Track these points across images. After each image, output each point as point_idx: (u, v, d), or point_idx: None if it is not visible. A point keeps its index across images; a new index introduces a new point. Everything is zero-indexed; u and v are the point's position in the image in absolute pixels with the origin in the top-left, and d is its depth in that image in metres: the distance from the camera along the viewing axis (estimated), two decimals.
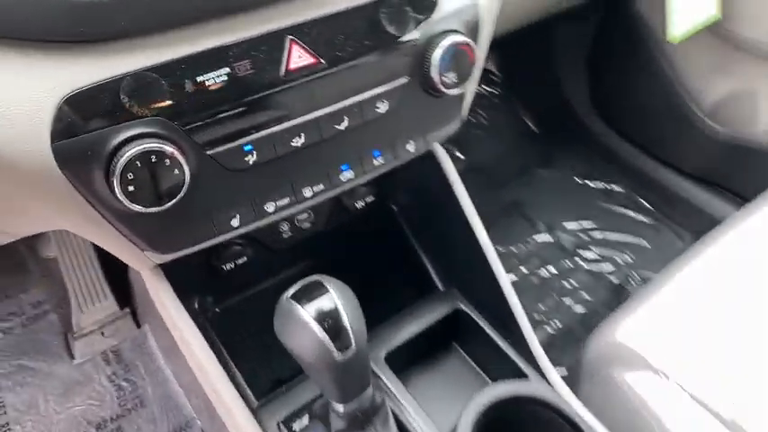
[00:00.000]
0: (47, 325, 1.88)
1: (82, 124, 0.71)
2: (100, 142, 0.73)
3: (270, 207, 0.91)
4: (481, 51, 1.02)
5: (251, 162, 0.84)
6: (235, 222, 0.88)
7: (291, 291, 0.75)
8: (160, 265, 0.98)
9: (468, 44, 0.93)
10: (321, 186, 0.94)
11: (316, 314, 0.70)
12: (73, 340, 1.80)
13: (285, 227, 1.17)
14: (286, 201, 0.91)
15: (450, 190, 1.16)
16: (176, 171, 0.76)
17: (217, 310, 1.18)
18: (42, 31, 0.68)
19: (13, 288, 1.90)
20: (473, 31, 0.96)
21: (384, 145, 0.97)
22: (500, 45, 1.48)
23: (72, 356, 1.77)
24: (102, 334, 1.82)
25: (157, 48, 0.74)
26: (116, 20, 0.70)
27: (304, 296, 0.73)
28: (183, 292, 0.99)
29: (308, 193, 0.93)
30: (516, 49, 2.29)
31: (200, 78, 0.77)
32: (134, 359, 1.78)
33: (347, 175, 0.96)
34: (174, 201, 0.77)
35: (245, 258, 1.13)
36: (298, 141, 0.87)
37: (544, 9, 1.78)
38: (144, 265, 0.92)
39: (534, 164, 2.37)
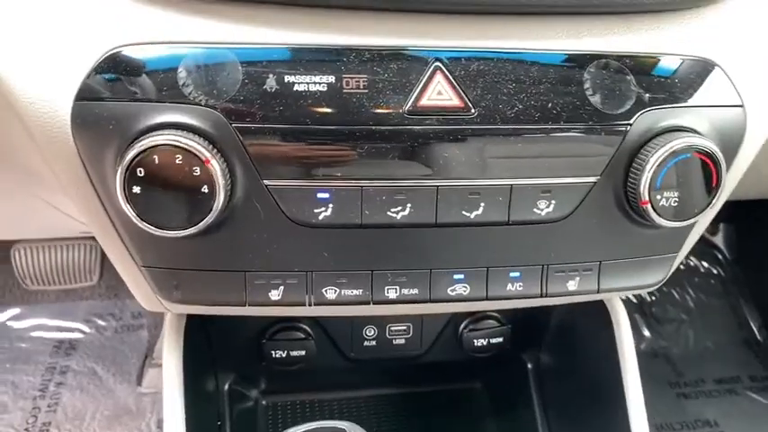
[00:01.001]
0: (136, 340, 1.83)
1: (119, 87, 0.51)
2: (126, 117, 0.52)
3: (331, 293, 0.62)
4: (731, 179, 0.65)
5: (322, 218, 0.57)
6: (275, 295, 0.61)
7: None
8: (188, 316, 0.73)
9: (712, 155, 0.57)
10: (414, 291, 0.63)
11: None
12: (148, 366, 1.71)
13: (371, 332, 0.86)
14: (356, 293, 0.62)
15: (617, 370, 0.76)
16: (205, 189, 0.51)
17: (238, 405, 0.89)
18: None
19: (123, 291, 1.88)
20: (727, 143, 0.61)
21: (530, 265, 0.63)
22: (739, 215, 1.05)
23: (140, 382, 1.68)
24: None
25: (254, 23, 0.53)
26: None
27: None
28: (201, 361, 0.73)
29: (391, 293, 0.62)
30: (762, 229, 1.78)
31: (289, 78, 0.53)
32: None
33: (458, 289, 0.63)
34: (189, 230, 0.53)
35: (304, 352, 0.84)
36: (399, 213, 0.58)
37: None
38: (154, 305, 0.68)
39: (746, 381, 1.82)
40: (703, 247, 2.05)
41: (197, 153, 0.51)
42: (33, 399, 1.60)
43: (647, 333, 1.89)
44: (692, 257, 2.04)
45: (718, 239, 2.08)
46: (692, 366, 1.85)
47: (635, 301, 1.93)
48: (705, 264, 2.07)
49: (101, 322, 1.80)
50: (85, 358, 1.72)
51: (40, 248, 1.69)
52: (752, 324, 1.98)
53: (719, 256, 2.09)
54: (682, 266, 2.05)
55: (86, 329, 1.80)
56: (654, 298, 1.95)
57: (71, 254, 1.72)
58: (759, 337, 1.96)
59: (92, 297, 1.85)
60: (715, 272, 2.06)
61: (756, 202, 1.42)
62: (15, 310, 1.83)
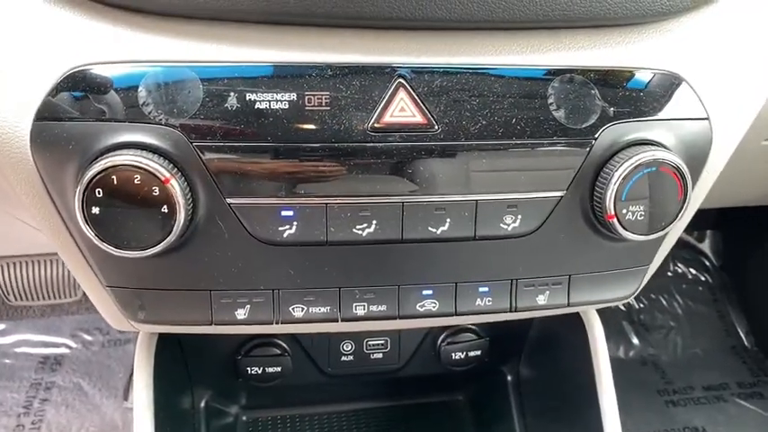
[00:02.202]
0: (123, 354, 1.82)
1: (78, 107, 0.51)
2: (86, 137, 0.52)
3: (298, 312, 0.61)
4: (700, 190, 0.65)
5: (286, 236, 0.57)
6: (241, 314, 0.60)
7: None
8: (160, 333, 0.73)
9: (677, 168, 0.57)
10: (382, 308, 0.62)
11: None
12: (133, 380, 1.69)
13: (348, 347, 0.85)
14: (324, 311, 0.61)
15: (593, 381, 0.76)
16: (165, 208, 0.51)
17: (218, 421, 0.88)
18: None
19: None
20: (693, 156, 0.61)
21: (499, 280, 0.63)
22: (727, 222, 1.04)
23: (126, 397, 1.67)
24: None
25: (215, 41, 0.53)
26: None
27: None
28: (176, 378, 0.73)
29: (359, 310, 0.62)
30: (748, 236, 1.78)
31: (250, 96, 0.52)
32: None
33: (427, 305, 0.63)
34: (151, 250, 0.52)
35: (280, 369, 0.83)
36: (364, 230, 0.57)
37: None
38: (122, 324, 0.67)
39: (734, 388, 1.82)
40: (691, 254, 2.05)
41: (156, 173, 0.50)
42: (17, 416, 1.58)
43: (635, 341, 1.89)
44: (679, 264, 2.04)
45: (705, 246, 2.08)
46: (681, 374, 1.85)
47: (623, 308, 1.92)
48: (693, 271, 2.07)
49: (87, 337, 1.78)
50: (71, 373, 1.69)
51: (22, 264, 1.68)
52: (739, 331, 1.98)
53: (707, 263, 2.09)
54: (669, 273, 2.05)
55: (72, 344, 1.78)
56: (642, 305, 1.94)
57: (54, 269, 1.70)
58: (746, 344, 1.96)
59: (78, 312, 1.83)
60: (703, 279, 2.07)
61: (742, 209, 1.42)
62: (0, 326, 1.81)
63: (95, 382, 1.67)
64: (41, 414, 1.61)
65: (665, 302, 1.99)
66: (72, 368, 1.72)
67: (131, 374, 1.68)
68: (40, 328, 1.84)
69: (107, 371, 1.71)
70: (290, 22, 0.54)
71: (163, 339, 0.75)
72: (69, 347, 1.77)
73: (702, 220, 1.94)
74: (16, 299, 1.71)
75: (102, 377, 1.69)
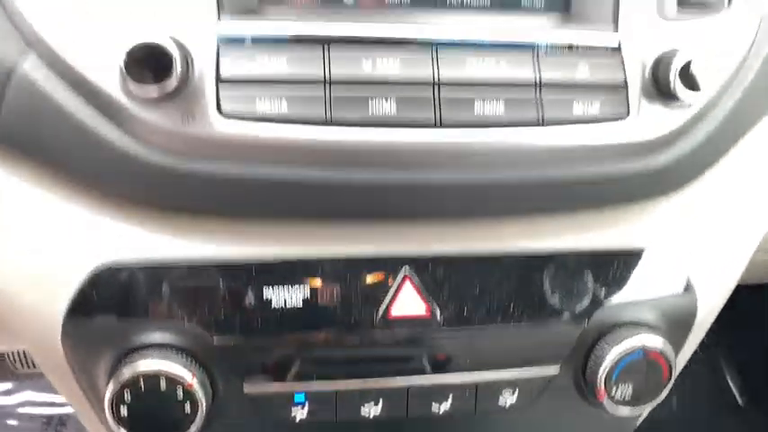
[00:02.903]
0: None
1: (105, 305, 0.56)
2: (112, 335, 0.56)
3: None
4: (681, 362, 0.69)
5: (298, 418, 0.61)
6: None
7: None
8: None
9: (663, 354, 0.61)
10: None
11: None
12: None
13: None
14: None
15: None
16: (187, 407, 0.55)
17: None
18: (122, 189, 0.55)
19: None
20: (679, 325, 0.65)
21: None
22: None
23: None
24: None
25: (236, 240, 0.57)
26: (207, 193, 0.54)
27: None
28: None
29: None
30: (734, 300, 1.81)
31: (268, 293, 0.57)
32: None
33: None
34: None
35: None
36: (370, 411, 0.61)
37: None
38: None
39: None
40: None
41: (180, 379, 0.55)
42: None
43: None
44: None
45: None
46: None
47: None
48: None
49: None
50: None
51: None
52: (733, 388, 2.01)
53: None
54: None
55: None
56: None
57: None
58: (740, 403, 1.99)
59: None
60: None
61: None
62: (5, 386, 1.83)
63: None
64: None
65: None
66: (77, 428, 1.75)
67: None
68: (45, 388, 1.85)
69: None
70: (302, 215, 0.58)
71: None
72: None
73: None
74: (23, 367, 1.74)
75: None
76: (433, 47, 0.54)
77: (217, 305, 0.57)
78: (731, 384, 2.00)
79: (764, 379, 1.95)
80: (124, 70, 0.48)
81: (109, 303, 0.56)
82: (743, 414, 1.96)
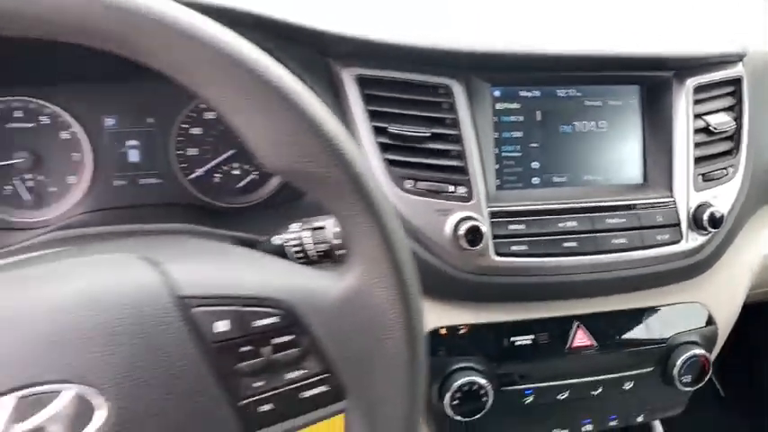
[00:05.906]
0: None
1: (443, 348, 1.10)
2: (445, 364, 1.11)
3: None
4: (716, 348, 1.30)
5: (526, 403, 1.17)
6: None
7: None
8: None
9: (705, 357, 1.21)
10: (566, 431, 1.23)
11: None
12: None
13: None
14: None
15: None
16: (484, 398, 1.10)
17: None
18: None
19: None
20: (708, 345, 1.25)
21: (621, 416, 1.25)
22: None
23: None
24: None
25: (505, 312, 1.13)
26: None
27: None
28: None
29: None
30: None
31: (514, 339, 1.13)
32: None
33: (587, 428, 1.24)
34: (477, 415, 1.11)
35: None
36: (562, 395, 1.18)
37: None
38: None
39: None
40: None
41: (485, 385, 1.10)
42: None
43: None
44: None
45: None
46: None
47: None
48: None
49: None
50: None
51: None
52: (715, 381, 2.09)
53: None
54: None
55: None
56: None
57: None
58: (722, 394, 2.09)
59: None
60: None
61: None
62: None
63: None
64: None
65: None
66: None
67: None
68: None
69: None
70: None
71: None
72: None
73: None
74: None
75: None
76: None
77: (498, 347, 1.12)
78: (713, 377, 2.07)
79: (746, 371, 2.05)
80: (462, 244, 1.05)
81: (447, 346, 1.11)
82: (725, 405, 2.08)
